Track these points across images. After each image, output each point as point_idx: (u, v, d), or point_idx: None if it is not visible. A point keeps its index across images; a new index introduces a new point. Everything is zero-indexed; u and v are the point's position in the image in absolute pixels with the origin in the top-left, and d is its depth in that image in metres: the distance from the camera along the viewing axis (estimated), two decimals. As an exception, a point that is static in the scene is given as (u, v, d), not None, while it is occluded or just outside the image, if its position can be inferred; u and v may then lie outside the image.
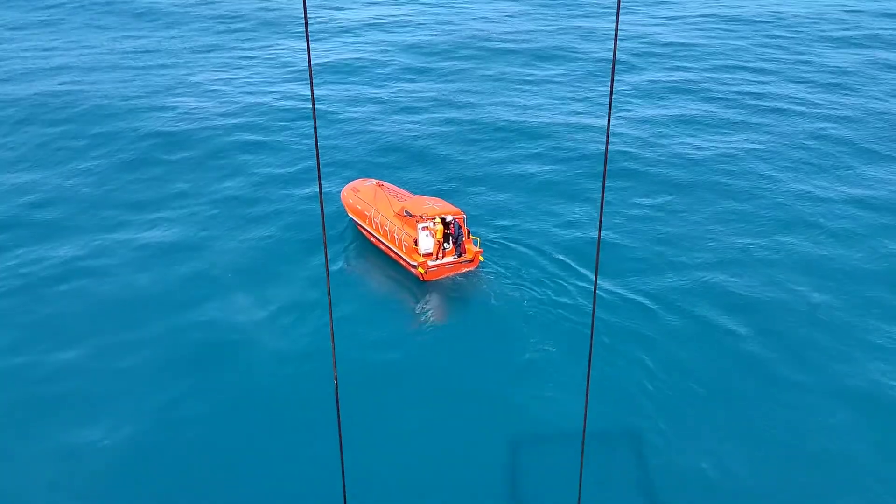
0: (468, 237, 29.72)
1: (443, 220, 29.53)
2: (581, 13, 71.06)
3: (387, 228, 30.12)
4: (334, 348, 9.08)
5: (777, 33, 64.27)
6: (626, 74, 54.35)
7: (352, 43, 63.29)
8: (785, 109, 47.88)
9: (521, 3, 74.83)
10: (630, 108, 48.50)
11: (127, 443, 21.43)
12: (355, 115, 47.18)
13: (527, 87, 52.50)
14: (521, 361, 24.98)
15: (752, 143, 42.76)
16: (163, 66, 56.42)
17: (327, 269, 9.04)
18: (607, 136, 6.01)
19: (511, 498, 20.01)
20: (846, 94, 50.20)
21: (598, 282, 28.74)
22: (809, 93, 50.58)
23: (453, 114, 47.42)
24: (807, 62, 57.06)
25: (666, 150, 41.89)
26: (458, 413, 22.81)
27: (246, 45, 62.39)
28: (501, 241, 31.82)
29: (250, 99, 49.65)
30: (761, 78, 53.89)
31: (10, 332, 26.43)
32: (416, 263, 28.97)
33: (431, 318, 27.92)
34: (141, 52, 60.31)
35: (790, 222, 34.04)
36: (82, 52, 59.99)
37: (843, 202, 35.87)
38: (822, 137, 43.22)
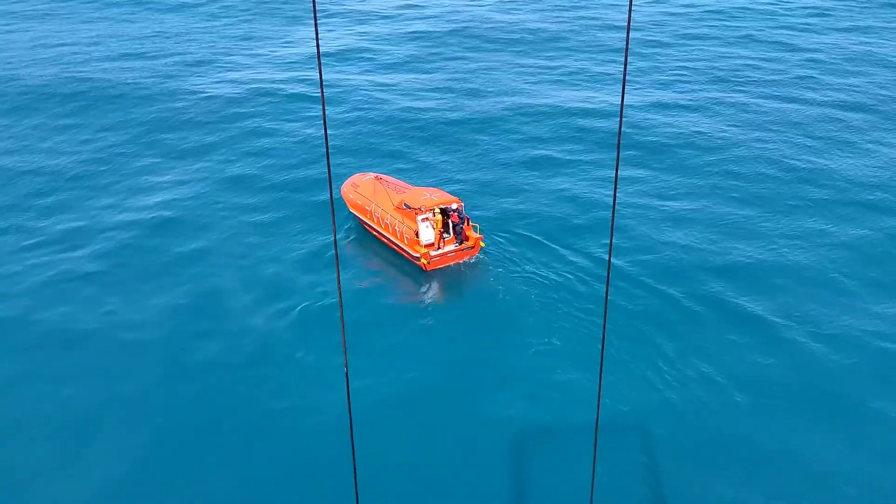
0: (468, 224, 30.14)
1: (442, 209, 29.97)
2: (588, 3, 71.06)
3: (388, 222, 30.55)
4: (344, 339, 9.28)
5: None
6: (637, 60, 54.58)
7: (364, 31, 64.30)
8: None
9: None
10: (642, 93, 48.72)
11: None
12: (365, 100, 48.12)
13: (536, 73, 52.89)
14: (529, 353, 24.93)
15: (769, 125, 42.60)
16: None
17: (337, 266, 9.37)
18: (620, 122, 6.17)
19: (520, 491, 19.95)
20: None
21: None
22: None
23: (464, 101, 47.99)
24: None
25: (677, 133, 41.89)
26: (466, 404, 22.86)
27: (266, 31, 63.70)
28: (507, 228, 32.19)
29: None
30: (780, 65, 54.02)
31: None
32: (418, 255, 29.42)
33: (436, 309, 28.25)
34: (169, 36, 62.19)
35: (804, 206, 33.98)
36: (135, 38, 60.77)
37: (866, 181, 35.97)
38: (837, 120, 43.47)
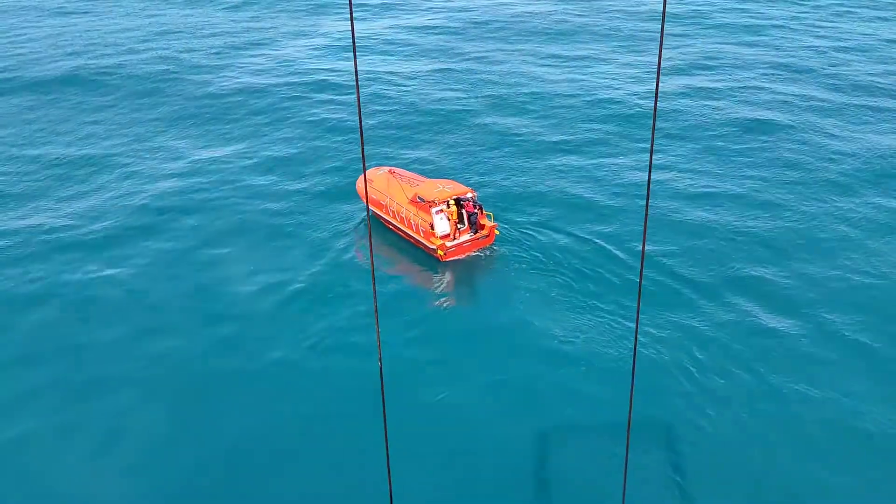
0: (482, 213, 30.46)
1: (456, 200, 30.32)
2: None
3: (403, 215, 30.95)
4: (378, 334, 9.52)
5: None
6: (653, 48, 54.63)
7: (386, 22, 65.00)
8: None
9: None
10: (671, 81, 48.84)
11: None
12: (382, 90, 48.88)
13: (556, 64, 53.08)
14: (550, 346, 24.95)
15: (806, 120, 42.17)
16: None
17: (372, 260, 9.68)
18: (654, 116, 6.19)
19: (543, 493, 19.77)
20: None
21: (632, 271, 28.87)
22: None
23: (484, 90, 48.51)
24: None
25: (707, 126, 41.74)
26: (490, 399, 22.85)
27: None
28: (525, 216, 32.58)
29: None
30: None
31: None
32: (434, 246, 29.80)
33: (453, 300, 28.63)
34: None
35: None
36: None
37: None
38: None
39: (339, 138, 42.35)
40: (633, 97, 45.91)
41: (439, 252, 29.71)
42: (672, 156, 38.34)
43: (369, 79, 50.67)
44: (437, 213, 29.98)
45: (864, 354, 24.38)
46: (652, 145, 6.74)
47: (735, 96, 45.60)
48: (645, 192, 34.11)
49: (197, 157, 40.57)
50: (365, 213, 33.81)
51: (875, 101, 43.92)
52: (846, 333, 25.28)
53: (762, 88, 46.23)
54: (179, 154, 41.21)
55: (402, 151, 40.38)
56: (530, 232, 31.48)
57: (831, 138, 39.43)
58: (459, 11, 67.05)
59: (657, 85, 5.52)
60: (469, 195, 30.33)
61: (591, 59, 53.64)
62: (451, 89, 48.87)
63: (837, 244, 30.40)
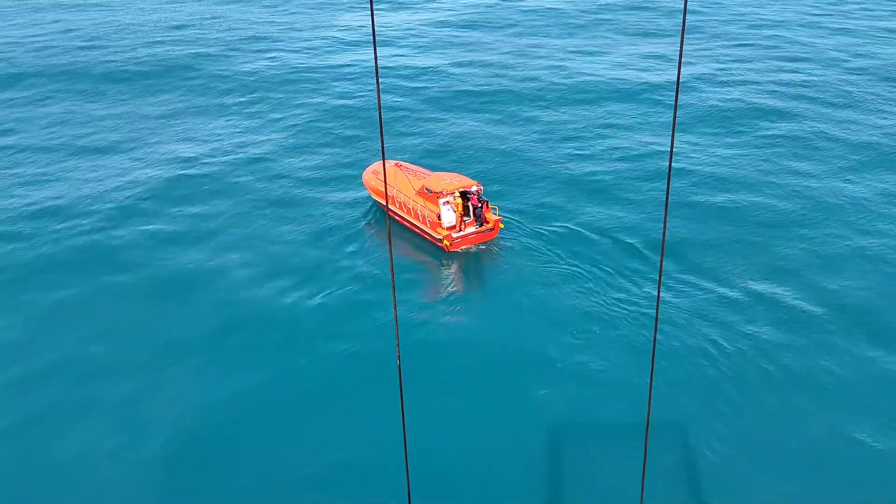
0: (487, 207, 31.29)
1: (462, 193, 31.15)
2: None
3: (410, 206, 31.77)
4: (398, 330, 9.80)
5: None
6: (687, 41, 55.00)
7: (403, 15, 66.01)
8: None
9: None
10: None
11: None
12: (397, 81, 49.80)
13: (569, 56, 53.83)
14: (563, 342, 24.90)
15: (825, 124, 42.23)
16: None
17: (391, 255, 9.97)
18: (675, 113, 6.57)
19: (557, 487, 19.49)
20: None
21: (637, 259, 29.21)
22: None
23: (498, 82, 49.08)
24: None
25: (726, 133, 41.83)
26: (501, 396, 22.65)
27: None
28: (532, 212, 33.19)
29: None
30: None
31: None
32: (440, 237, 30.66)
33: (461, 292, 29.17)
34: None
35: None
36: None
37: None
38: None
39: (346, 130, 43.16)
40: (646, 85, 46.60)
41: (445, 242, 30.51)
42: (685, 142, 39.07)
43: (385, 71, 51.45)
44: (444, 203, 30.80)
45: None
46: (673, 136, 6.91)
47: (756, 84, 46.22)
48: (659, 184, 34.79)
49: (202, 144, 41.41)
50: (370, 204, 34.70)
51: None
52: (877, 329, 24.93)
53: (780, 78, 46.89)
54: (191, 137, 42.14)
55: (409, 143, 41.12)
56: (538, 224, 32.17)
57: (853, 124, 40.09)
58: (472, 5, 67.53)
59: (678, 77, 5.90)
60: (474, 188, 31.14)
61: (606, 50, 54.16)
62: (461, 81, 49.57)
63: (867, 232, 30.45)
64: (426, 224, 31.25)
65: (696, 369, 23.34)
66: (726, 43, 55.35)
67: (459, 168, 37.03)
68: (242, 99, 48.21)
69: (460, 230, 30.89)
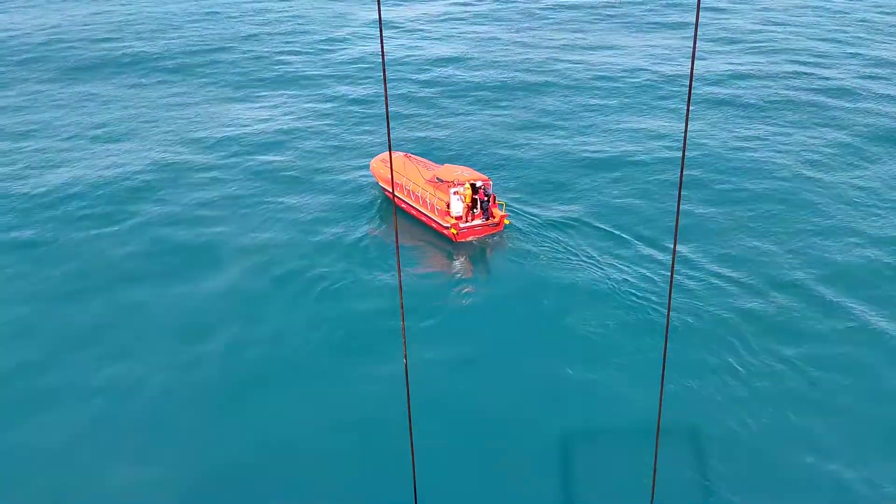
0: (493, 202, 32.09)
1: (472, 185, 32.05)
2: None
3: (419, 194, 32.62)
4: (404, 331, 9.32)
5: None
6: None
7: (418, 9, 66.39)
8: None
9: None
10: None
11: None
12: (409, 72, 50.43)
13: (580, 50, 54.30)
14: (578, 336, 24.76)
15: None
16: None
17: (398, 258, 10.18)
18: (688, 104, 6.13)
19: (567, 484, 19.32)
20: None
21: (646, 253, 29.36)
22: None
23: (508, 76, 49.54)
24: None
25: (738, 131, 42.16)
26: (512, 392, 22.44)
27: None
28: (544, 206, 33.71)
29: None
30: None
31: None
32: (448, 225, 31.54)
33: (468, 283, 29.51)
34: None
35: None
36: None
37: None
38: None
39: (357, 120, 43.95)
40: (658, 76, 47.20)
41: (452, 230, 31.23)
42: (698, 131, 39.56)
43: (393, 62, 52.09)
44: (454, 193, 31.57)
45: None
46: (686, 127, 6.86)
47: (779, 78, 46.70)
48: (674, 181, 35.14)
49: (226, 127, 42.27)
50: (379, 193, 35.36)
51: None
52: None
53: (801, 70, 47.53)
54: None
55: (419, 135, 41.84)
56: (547, 214, 32.74)
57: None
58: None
59: (692, 69, 6.21)
60: (480, 183, 31.91)
61: (620, 44, 54.63)
62: (472, 74, 50.14)
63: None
64: (434, 212, 32.13)
65: (715, 367, 22.97)
66: (743, 29, 55.78)
67: (468, 161, 37.80)
68: (257, 87, 48.83)
69: (467, 221, 31.79)
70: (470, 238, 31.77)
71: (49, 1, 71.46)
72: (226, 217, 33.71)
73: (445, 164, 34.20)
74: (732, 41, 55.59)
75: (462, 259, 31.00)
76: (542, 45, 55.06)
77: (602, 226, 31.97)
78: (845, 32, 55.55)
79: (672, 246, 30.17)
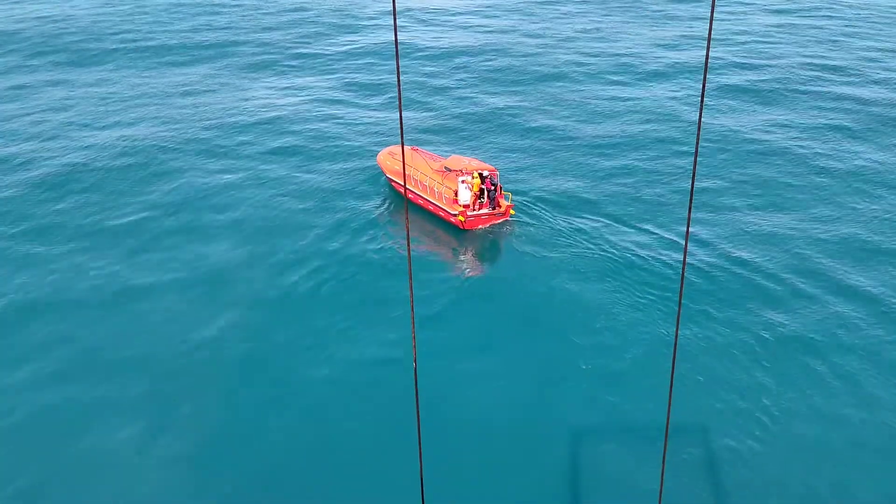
0: (500, 192, 32.55)
1: (480, 174, 32.57)
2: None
3: (426, 184, 33.16)
4: (414, 333, 9.35)
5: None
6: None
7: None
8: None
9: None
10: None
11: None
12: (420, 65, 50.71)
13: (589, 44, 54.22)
14: (586, 330, 24.64)
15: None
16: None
17: (409, 255, 10.39)
18: (702, 93, 6.36)
19: (575, 480, 19.25)
20: None
21: (656, 240, 29.48)
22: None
23: (518, 72, 49.79)
24: None
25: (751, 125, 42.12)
26: (518, 383, 22.47)
27: None
28: (550, 201, 33.87)
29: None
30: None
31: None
32: (455, 212, 32.09)
33: (473, 274, 29.77)
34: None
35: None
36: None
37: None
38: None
39: (367, 112, 44.40)
40: (669, 66, 47.30)
41: (460, 218, 31.74)
42: (717, 123, 39.78)
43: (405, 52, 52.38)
44: (462, 182, 32.07)
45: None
46: (700, 119, 6.99)
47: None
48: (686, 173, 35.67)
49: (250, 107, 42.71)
50: (387, 184, 35.76)
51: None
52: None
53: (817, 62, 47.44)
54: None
55: (430, 124, 42.33)
56: (557, 208, 33.12)
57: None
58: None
59: (706, 64, 5.99)
60: (486, 173, 32.38)
61: (632, 33, 54.85)
62: (484, 62, 50.65)
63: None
64: (442, 201, 32.60)
65: (730, 365, 22.84)
66: (759, 17, 55.63)
67: (476, 150, 38.26)
68: (272, 72, 49.35)
69: (474, 209, 32.27)
70: (478, 227, 32.31)
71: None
72: (233, 203, 34.34)
73: (453, 155, 34.66)
74: (745, 31, 55.40)
75: (469, 247, 31.45)
76: (552, 35, 55.07)
77: (612, 213, 32.35)
78: (857, 26, 55.25)
79: (685, 229, 29.81)
